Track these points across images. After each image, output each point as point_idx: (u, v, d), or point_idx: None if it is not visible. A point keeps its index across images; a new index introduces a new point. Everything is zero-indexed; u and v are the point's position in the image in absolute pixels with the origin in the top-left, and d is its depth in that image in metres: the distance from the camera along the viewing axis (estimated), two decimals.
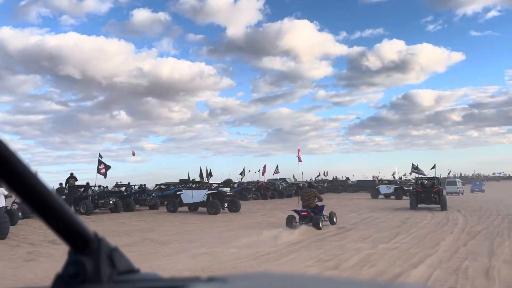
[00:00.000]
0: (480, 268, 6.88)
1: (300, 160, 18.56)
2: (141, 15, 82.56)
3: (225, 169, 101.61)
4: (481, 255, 8.06)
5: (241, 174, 35.36)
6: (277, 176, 35.58)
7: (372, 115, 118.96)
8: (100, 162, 20.81)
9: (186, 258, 8.23)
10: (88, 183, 21.12)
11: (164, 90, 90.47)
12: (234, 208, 18.98)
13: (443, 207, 18.94)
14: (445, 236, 10.78)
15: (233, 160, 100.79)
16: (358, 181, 43.14)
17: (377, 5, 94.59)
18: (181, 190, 21.10)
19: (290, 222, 12.65)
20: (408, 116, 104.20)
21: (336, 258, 7.92)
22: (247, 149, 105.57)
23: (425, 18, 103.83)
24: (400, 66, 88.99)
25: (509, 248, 8.87)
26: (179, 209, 19.65)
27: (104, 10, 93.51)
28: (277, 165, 35.09)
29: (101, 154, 21.33)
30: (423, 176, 23.98)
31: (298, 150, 19.00)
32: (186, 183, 23.97)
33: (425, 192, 19.95)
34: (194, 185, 23.24)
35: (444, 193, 21.46)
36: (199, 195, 19.29)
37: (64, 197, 18.50)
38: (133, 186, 24.29)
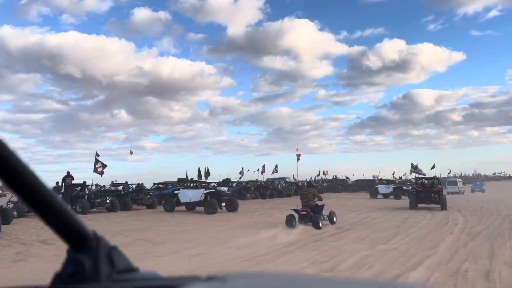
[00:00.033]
0: (480, 271, 6.67)
1: (298, 159, 18.39)
2: (142, 14, 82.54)
3: (225, 169, 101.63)
4: (482, 256, 7.86)
5: (240, 173, 35.20)
6: (276, 176, 35.41)
7: (373, 115, 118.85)
8: (97, 161, 20.62)
9: (179, 258, 8.04)
10: (85, 182, 20.92)
11: (165, 89, 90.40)
12: (232, 207, 18.79)
13: (443, 207, 18.82)
14: (444, 236, 10.59)
15: (233, 159, 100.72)
16: (358, 181, 42.94)
17: (378, 4, 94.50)
18: (179, 189, 20.90)
19: (289, 222, 12.55)
20: (409, 116, 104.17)
21: (332, 259, 7.72)
22: (247, 149, 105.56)
23: (425, 18, 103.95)
24: (401, 65, 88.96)
25: (510, 250, 8.66)
26: (177, 208, 19.44)
27: (104, 9, 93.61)
28: (276, 164, 35.00)
29: (97, 152, 21.13)
30: (422, 176, 23.80)
31: (297, 149, 18.85)
32: (184, 182, 23.74)
33: (425, 192, 19.85)
34: (192, 185, 23.01)
35: (444, 193, 21.29)
36: (196, 195, 19.09)
37: (60, 196, 18.29)
38: (130, 185, 24.07)
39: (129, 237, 11.00)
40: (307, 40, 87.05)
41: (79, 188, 20.32)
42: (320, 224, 12.23)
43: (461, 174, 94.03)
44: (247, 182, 32.38)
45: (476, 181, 53.78)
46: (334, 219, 13.31)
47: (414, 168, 24.90)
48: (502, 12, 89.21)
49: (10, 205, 16.72)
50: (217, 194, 18.91)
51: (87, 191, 20.11)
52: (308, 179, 40.08)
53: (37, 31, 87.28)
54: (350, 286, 0.65)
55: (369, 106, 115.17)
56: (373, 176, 43.51)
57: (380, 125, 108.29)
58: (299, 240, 10.09)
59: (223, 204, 18.70)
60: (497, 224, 13.28)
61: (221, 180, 30.08)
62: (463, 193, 37.18)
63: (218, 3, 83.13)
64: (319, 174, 48.31)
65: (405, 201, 25.29)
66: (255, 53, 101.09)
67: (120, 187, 23.57)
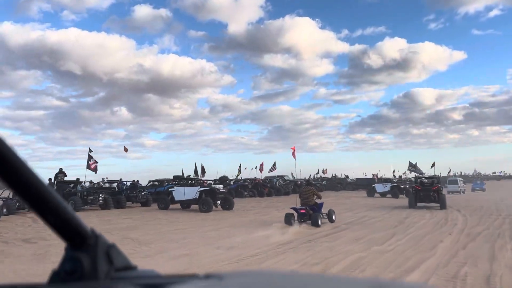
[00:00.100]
0: (481, 275, 6.28)
1: (294, 157, 18.02)
2: (142, 11, 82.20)
3: (225, 166, 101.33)
4: (482, 259, 7.47)
5: (238, 171, 34.83)
6: (274, 173, 35.04)
7: (373, 113, 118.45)
8: (90, 157, 20.23)
9: (163, 259, 7.67)
10: (78, 179, 20.55)
11: (165, 87, 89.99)
12: (227, 206, 18.41)
13: (442, 206, 18.57)
14: (443, 237, 10.20)
15: (233, 157, 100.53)
16: (357, 179, 42.57)
17: (379, 3, 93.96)
18: (174, 187, 20.51)
19: (288, 220, 12.44)
20: (409, 115, 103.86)
21: (324, 261, 7.34)
22: (248, 147, 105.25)
23: (427, 17, 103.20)
24: (402, 64, 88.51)
25: (511, 252, 8.27)
26: (172, 206, 19.07)
27: (105, 6, 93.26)
28: (274, 162, 34.64)
29: (91, 148, 20.75)
30: (422, 175, 23.45)
31: (293, 148, 18.47)
32: (179, 180, 23.34)
33: (424, 191, 19.65)
34: (188, 182, 22.61)
35: (444, 192, 20.97)
36: (191, 192, 18.70)
37: None
38: (124, 182, 23.66)
39: (116, 236, 10.60)
40: (308, 38, 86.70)
41: (72, 185, 19.96)
42: (319, 222, 12.22)
43: (461, 173, 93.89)
44: (244, 180, 32.00)
45: (476, 180, 53.65)
46: (333, 217, 13.28)
47: (413, 167, 24.53)
48: (503, 12, 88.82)
49: (0, 202, 16.38)
50: (212, 192, 18.52)
51: (79, 188, 19.75)
52: (306, 177, 39.70)
53: (38, 27, 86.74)
54: (349, 285, 0.64)
55: (370, 105, 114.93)
56: (373, 175, 43.13)
57: (381, 123, 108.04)
58: (292, 240, 9.71)
59: (218, 202, 18.34)
60: (498, 224, 12.89)
61: (218, 178, 29.72)
62: (463, 192, 36.93)
63: (219, 1, 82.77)
64: (318, 172, 47.93)
65: (402, 200, 24.96)
66: (256, 51, 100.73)
67: (114, 184, 23.17)
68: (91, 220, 14.77)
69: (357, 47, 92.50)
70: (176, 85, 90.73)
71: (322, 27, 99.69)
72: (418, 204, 19.50)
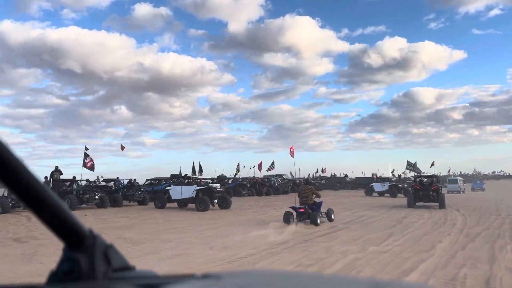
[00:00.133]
0: (480, 277, 6.10)
1: (292, 156, 17.85)
2: (143, 9, 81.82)
3: (225, 165, 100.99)
4: (481, 260, 7.28)
5: (236, 169, 34.63)
6: (272, 172, 34.86)
7: (373, 113, 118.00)
8: (86, 155, 20.03)
9: (154, 260, 7.47)
10: (74, 177, 20.37)
11: (165, 85, 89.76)
12: (224, 204, 18.24)
13: (442, 205, 18.41)
14: (442, 237, 10.02)
15: (233, 156, 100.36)
16: (356, 178, 42.41)
17: (379, 2, 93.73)
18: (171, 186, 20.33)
19: (287, 219, 12.36)
20: (409, 114, 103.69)
21: (319, 262, 7.15)
22: (248, 145, 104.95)
23: (427, 16, 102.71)
24: (402, 63, 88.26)
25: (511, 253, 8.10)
26: (168, 205, 18.90)
27: (105, 4, 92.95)
28: (273, 161, 34.48)
29: (87, 146, 20.55)
30: (420, 174, 23.29)
31: (292, 148, 18.31)
32: (177, 179, 23.16)
33: (423, 190, 19.50)
34: (185, 181, 22.43)
35: (443, 191, 20.81)
36: (188, 191, 18.54)
37: None
38: (121, 181, 23.47)
39: (109, 235, 10.41)
40: (308, 38, 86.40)
41: (68, 183, 19.78)
42: (318, 221, 12.17)
43: (460, 172, 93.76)
44: (243, 178, 31.82)
45: (476, 180, 53.59)
46: (332, 216, 13.23)
47: (411, 166, 24.35)
48: (503, 11, 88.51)
49: None
50: (209, 191, 18.34)
51: (75, 186, 19.57)
52: (305, 176, 39.51)
53: (38, 26, 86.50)
54: (348, 285, 0.64)
55: (370, 104, 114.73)
56: (372, 174, 42.95)
57: (381, 123, 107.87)
58: (288, 240, 9.53)
59: (215, 201, 18.18)
60: (497, 224, 12.71)
61: (216, 177, 29.54)
62: (463, 192, 36.77)
63: (219, 0, 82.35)
64: (317, 171, 47.72)
65: (401, 199, 24.78)
66: (256, 50, 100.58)
67: (111, 183, 22.99)
68: (87, 218, 14.59)
69: (357, 46, 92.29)
70: (176, 84, 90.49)
71: (322, 26, 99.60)
72: (417, 204, 19.35)
